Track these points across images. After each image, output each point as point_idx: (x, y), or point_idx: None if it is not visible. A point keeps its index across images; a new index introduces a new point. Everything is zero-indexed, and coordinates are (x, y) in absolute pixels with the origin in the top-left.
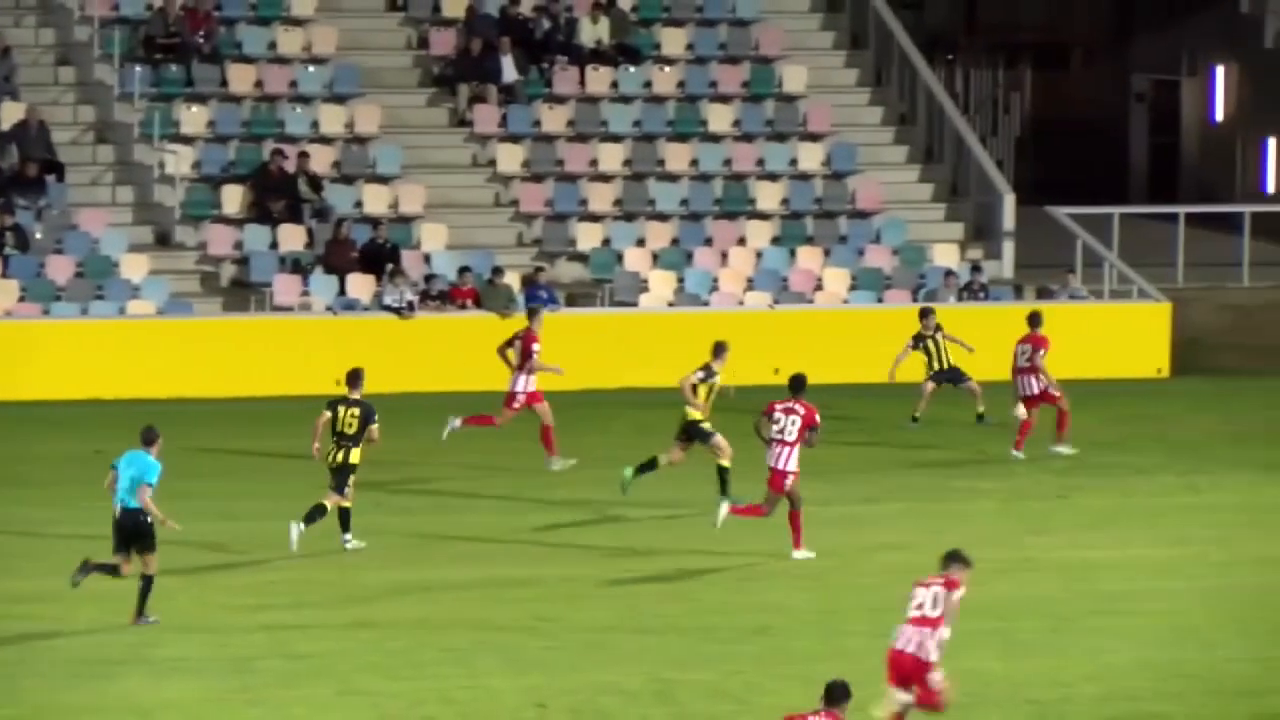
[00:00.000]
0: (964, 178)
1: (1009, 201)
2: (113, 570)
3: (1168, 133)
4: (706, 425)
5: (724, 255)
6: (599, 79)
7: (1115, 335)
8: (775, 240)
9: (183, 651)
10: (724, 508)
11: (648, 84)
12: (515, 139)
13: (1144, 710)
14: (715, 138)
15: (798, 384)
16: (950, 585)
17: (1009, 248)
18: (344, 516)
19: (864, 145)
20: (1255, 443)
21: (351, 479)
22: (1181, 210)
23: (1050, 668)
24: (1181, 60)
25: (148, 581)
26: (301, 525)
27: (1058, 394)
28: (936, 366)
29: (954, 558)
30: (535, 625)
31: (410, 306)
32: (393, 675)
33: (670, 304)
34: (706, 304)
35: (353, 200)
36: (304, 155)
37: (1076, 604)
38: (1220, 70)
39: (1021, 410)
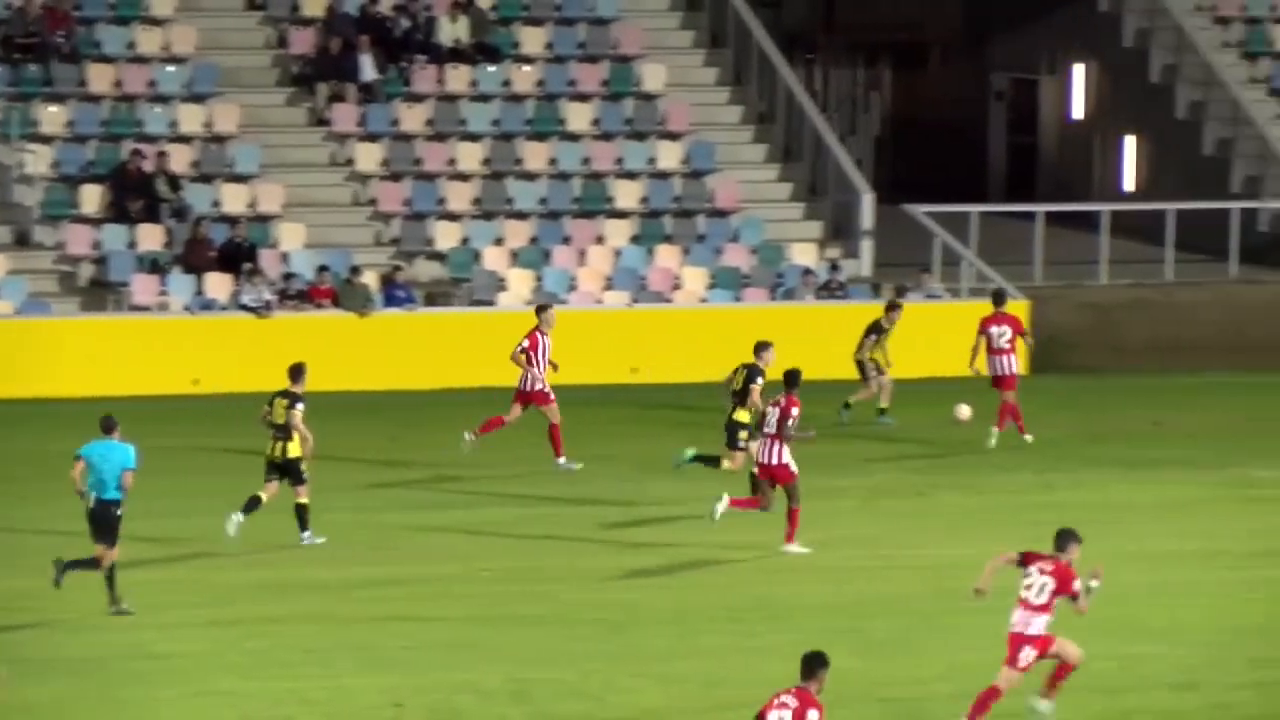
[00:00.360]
0: (823, 177)
1: (867, 200)
2: (92, 564)
3: (1026, 131)
4: (744, 434)
5: (582, 254)
6: (458, 78)
7: (973, 334)
8: (634, 239)
9: (41, 652)
10: (724, 501)
11: (506, 83)
12: (374, 138)
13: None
14: (574, 136)
15: (790, 379)
16: (1060, 573)
17: (867, 247)
18: (301, 514)
19: (723, 144)
20: (1112, 441)
21: (303, 469)
22: (1040, 209)
23: (907, 666)
24: (1040, 59)
25: (91, 564)
26: (306, 532)
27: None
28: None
29: (1068, 536)
30: (393, 624)
31: (268, 306)
32: (251, 675)
33: (529, 303)
34: (565, 303)
35: (211, 199)
36: (162, 155)
37: (933, 602)
38: (1079, 69)
39: (964, 411)
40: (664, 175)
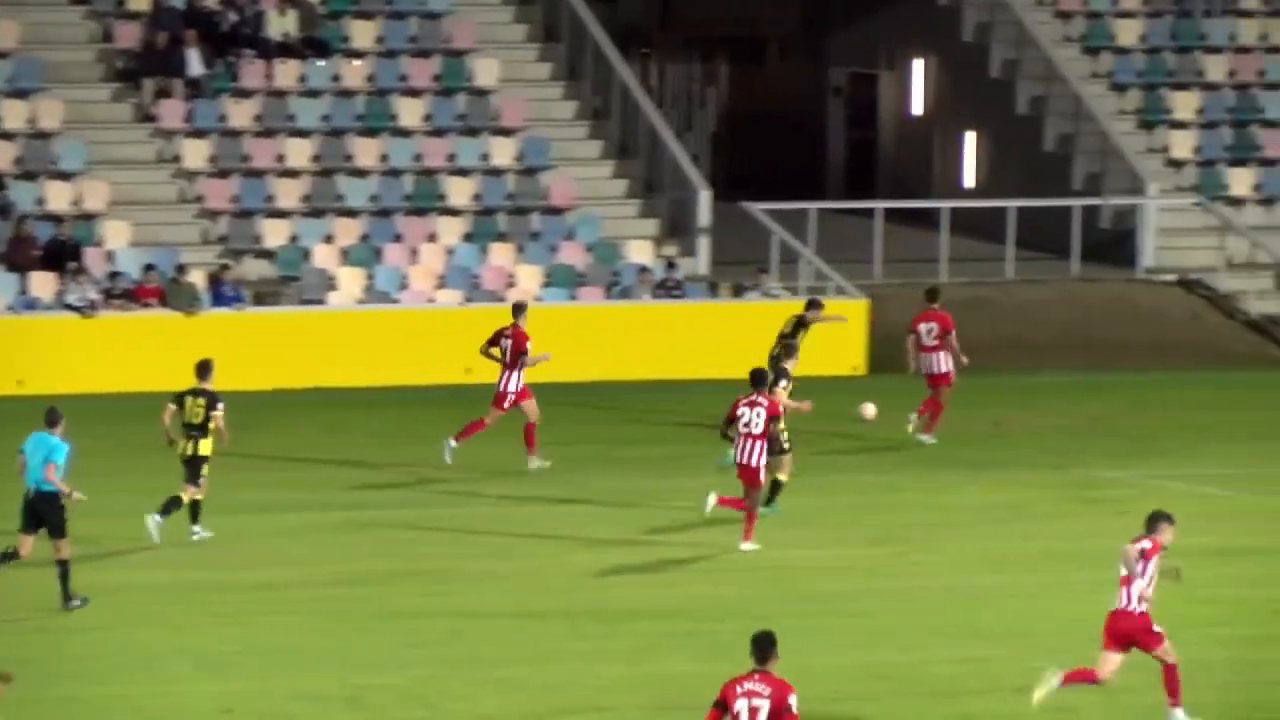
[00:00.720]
0: (659, 173)
1: (704, 197)
2: (12, 556)
3: (865, 127)
4: (784, 437)
5: (414, 252)
6: (286, 73)
7: (812, 332)
8: (467, 237)
9: None
10: (712, 497)
11: (336, 78)
12: (201, 134)
13: (840, 712)
14: (405, 132)
15: (758, 378)
16: (1151, 552)
17: (704, 244)
18: (195, 509)
19: (557, 140)
20: (952, 441)
21: (205, 470)
22: (879, 205)
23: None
24: (879, 54)
25: (63, 566)
26: (158, 516)
27: (953, 379)
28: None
29: (1159, 516)
30: (228, 629)
31: (93, 305)
32: (82, 680)
33: (360, 302)
34: (397, 302)
35: (35, 197)
36: None
37: (773, 605)
38: (918, 64)
39: (869, 409)
40: (497, 172)
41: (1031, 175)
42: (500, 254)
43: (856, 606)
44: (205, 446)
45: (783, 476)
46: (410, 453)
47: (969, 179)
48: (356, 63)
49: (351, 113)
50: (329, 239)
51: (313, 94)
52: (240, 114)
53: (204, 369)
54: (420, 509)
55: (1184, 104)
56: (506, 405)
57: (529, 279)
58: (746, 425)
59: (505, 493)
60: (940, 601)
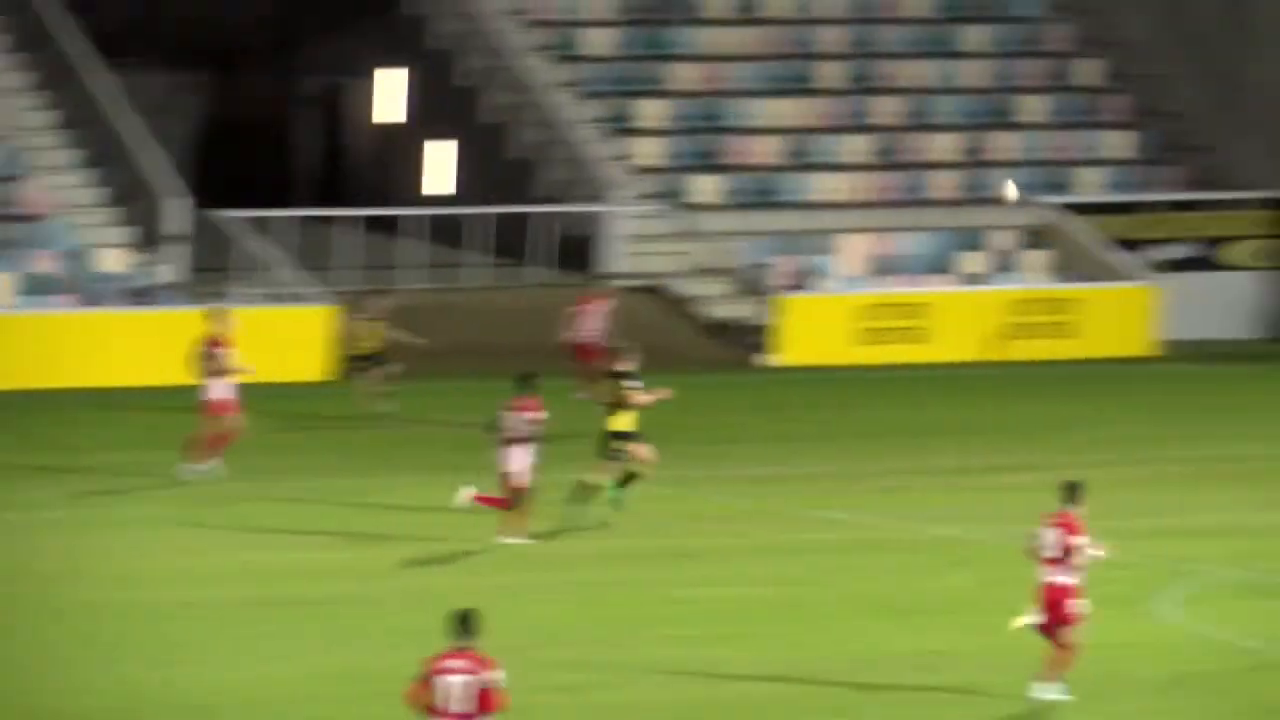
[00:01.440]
0: (135, 182)
1: (179, 205)
2: None
3: (337, 135)
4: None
5: None
6: None
7: (280, 339)
8: None
9: None
10: (465, 492)
11: None
12: None
13: (313, 713)
14: None
15: (525, 381)
16: (1068, 529)
17: (179, 252)
18: None
19: (33, 149)
20: (434, 446)
21: None
22: (348, 213)
23: (208, 673)
24: (350, 62)
25: None
26: None
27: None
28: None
29: (1072, 487)
30: None
31: None
32: None
33: None
34: None
35: None
36: None
37: (247, 609)
38: (389, 73)
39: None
40: None
41: (499, 182)
42: None
43: (331, 610)
44: None
45: (649, 472)
46: None
47: (437, 186)
48: None
49: None
50: None
51: None
52: None
53: None
54: None
55: (651, 112)
56: (227, 408)
57: (2, 287)
58: (513, 431)
59: (30, 497)
60: (403, 603)
